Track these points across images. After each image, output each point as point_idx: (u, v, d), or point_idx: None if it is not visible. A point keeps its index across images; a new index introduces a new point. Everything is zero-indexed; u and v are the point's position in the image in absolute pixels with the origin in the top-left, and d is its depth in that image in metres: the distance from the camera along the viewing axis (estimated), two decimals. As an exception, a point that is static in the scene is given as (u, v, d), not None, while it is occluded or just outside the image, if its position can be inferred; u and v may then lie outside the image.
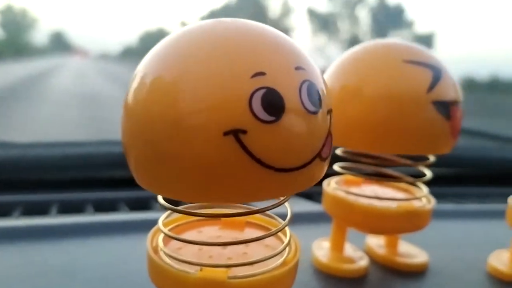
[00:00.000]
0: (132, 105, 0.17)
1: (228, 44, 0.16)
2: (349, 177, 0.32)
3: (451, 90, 0.25)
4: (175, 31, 0.18)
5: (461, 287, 0.29)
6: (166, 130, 0.15)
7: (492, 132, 0.73)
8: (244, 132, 0.15)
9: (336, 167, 0.30)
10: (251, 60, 0.16)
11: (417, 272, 0.30)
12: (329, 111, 0.18)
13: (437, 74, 0.25)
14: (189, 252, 0.21)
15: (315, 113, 0.17)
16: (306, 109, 0.16)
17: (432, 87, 0.24)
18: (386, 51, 0.26)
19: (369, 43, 0.27)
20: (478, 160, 0.58)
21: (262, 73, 0.16)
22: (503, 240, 0.33)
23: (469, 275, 0.31)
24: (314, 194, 0.45)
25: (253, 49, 0.16)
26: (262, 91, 0.15)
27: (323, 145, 0.17)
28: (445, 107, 0.25)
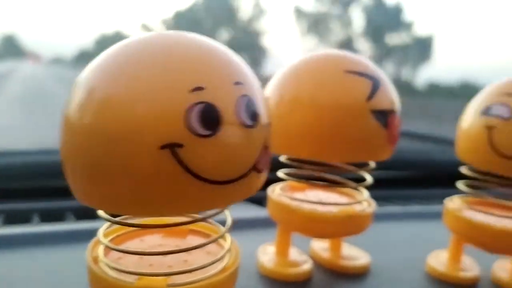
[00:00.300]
0: (70, 117, 0.17)
1: (168, 58, 0.16)
2: (294, 183, 0.33)
3: (389, 100, 0.26)
4: (115, 44, 0.18)
5: (400, 287, 0.30)
6: (103, 144, 0.16)
7: (438, 135, 0.76)
8: (180, 146, 0.15)
9: (281, 173, 0.30)
10: (190, 75, 0.16)
11: (359, 274, 0.31)
12: (267, 125, 0.18)
13: (376, 84, 0.26)
14: (130, 262, 0.22)
15: (251, 127, 0.17)
16: (242, 123, 0.17)
17: (371, 96, 0.25)
18: (327, 62, 0.27)
19: (311, 54, 0.28)
20: (422, 162, 0.60)
21: (200, 88, 0.16)
22: (442, 240, 0.34)
23: (408, 275, 0.32)
24: (263, 199, 0.45)
25: (193, 63, 0.17)
26: (200, 106, 0.16)
27: (259, 158, 0.18)
28: (383, 116, 0.26)
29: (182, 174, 0.16)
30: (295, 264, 0.30)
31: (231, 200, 0.18)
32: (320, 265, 0.32)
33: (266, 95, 0.27)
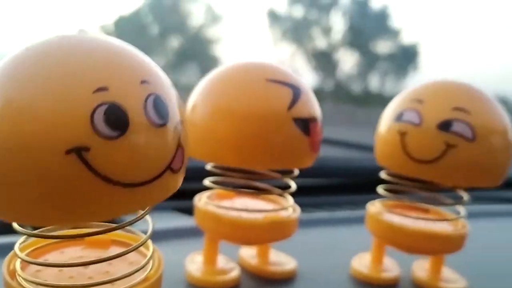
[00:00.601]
0: None
1: (70, 60, 0.16)
2: (221, 191, 0.33)
3: (310, 108, 0.27)
4: (18, 49, 0.17)
5: (326, 290, 0.31)
6: (6, 151, 0.15)
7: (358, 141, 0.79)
8: (87, 149, 0.15)
9: (207, 182, 0.30)
10: (93, 76, 0.16)
11: (287, 279, 0.32)
12: (180, 123, 0.18)
13: (296, 93, 0.27)
14: (49, 275, 0.21)
15: (162, 125, 0.17)
16: (152, 122, 0.16)
17: (292, 105, 0.26)
18: (249, 70, 0.28)
19: (234, 63, 0.28)
20: (346, 169, 0.63)
21: (104, 88, 0.15)
22: (365, 244, 0.36)
23: (334, 278, 0.33)
24: (191, 209, 0.45)
25: (95, 64, 0.16)
26: (104, 107, 0.15)
27: (173, 157, 0.17)
28: (305, 124, 0.26)
29: (92, 178, 0.15)
30: (223, 272, 0.30)
31: (147, 202, 0.17)
32: (248, 271, 0.32)
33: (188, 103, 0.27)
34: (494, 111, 0.29)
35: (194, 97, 0.27)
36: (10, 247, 0.31)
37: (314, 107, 0.28)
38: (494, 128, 0.28)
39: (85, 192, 0.15)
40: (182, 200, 0.44)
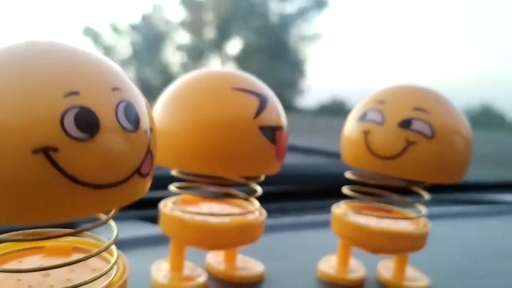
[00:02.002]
0: None
1: (41, 64, 0.16)
2: (187, 196, 0.33)
3: (276, 116, 0.27)
4: None
5: (294, 293, 0.31)
6: None
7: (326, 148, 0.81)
8: (55, 149, 0.15)
9: (172, 187, 0.30)
10: (64, 80, 0.16)
11: (254, 283, 0.32)
12: (149, 130, 0.18)
13: (263, 101, 0.27)
14: (7, 284, 0.20)
15: (132, 131, 0.17)
16: (122, 127, 0.16)
17: (258, 113, 0.26)
18: (215, 78, 0.28)
19: (200, 71, 0.28)
20: (313, 176, 0.64)
21: (75, 93, 0.16)
22: (332, 246, 0.36)
23: (301, 281, 0.33)
24: (156, 217, 0.45)
25: (67, 69, 0.16)
26: (75, 110, 0.15)
27: (142, 162, 0.18)
28: (271, 132, 0.27)
29: (60, 179, 0.15)
30: (190, 278, 0.30)
31: (115, 204, 0.17)
32: (215, 277, 0.32)
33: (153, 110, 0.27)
34: (452, 112, 0.30)
35: (160, 104, 0.27)
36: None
37: (280, 116, 0.28)
38: (452, 127, 0.29)
39: (52, 192, 0.15)
40: (146, 209, 0.44)
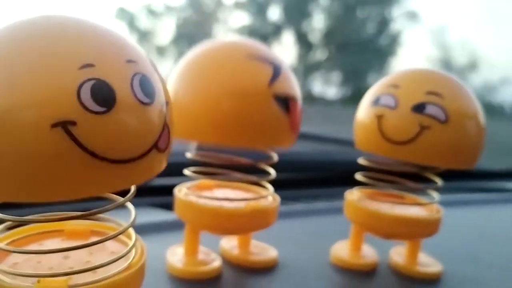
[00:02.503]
0: None
1: (56, 37, 0.16)
2: (201, 182, 0.33)
3: (290, 86, 0.27)
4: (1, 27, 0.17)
5: (307, 277, 0.31)
6: None
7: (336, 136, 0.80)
8: (74, 123, 0.15)
9: (187, 171, 0.30)
10: (79, 52, 0.16)
11: (268, 267, 0.32)
12: (165, 104, 0.18)
13: (277, 69, 0.27)
14: (28, 266, 0.20)
15: (148, 104, 0.17)
16: (138, 100, 0.16)
17: (272, 81, 0.26)
18: (228, 48, 0.28)
19: (213, 41, 0.28)
20: (325, 163, 0.64)
21: (90, 65, 0.16)
22: (344, 232, 0.36)
23: (314, 266, 0.33)
24: (170, 204, 0.45)
25: (81, 41, 0.16)
26: (91, 82, 0.15)
27: (159, 136, 0.17)
28: (284, 102, 0.27)
29: (79, 153, 0.15)
30: (205, 262, 0.30)
31: (134, 180, 0.17)
32: (229, 262, 0.32)
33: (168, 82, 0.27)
34: (466, 96, 0.30)
35: (174, 76, 0.27)
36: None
37: (294, 87, 0.28)
38: (466, 111, 0.29)
39: (72, 167, 0.15)
40: (160, 196, 0.44)
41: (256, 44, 0.28)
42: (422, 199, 0.36)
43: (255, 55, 0.26)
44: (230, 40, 0.28)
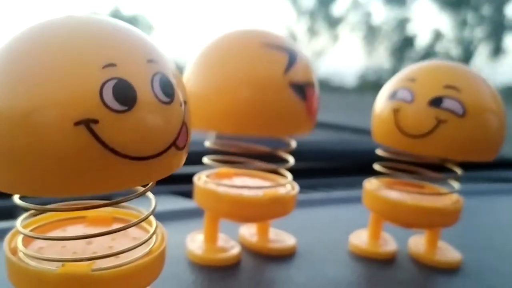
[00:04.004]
0: None
1: (79, 37, 0.16)
2: (220, 170, 0.33)
3: (306, 73, 0.27)
4: (27, 26, 0.17)
5: (326, 265, 0.31)
6: (16, 126, 0.15)
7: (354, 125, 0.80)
8: (96, 121, 0.15)
9: (206, 159, 0.31)
10: (102, 52, 0.16)
11: (287, 255, 0.32)
12: (183, 103, 0.18)
13: (292, 57, 0.27)
14: (52, 251, 0.21)
15: (168, 103, 0.17)
16: (158, 99, 0.17)
17: (288, 69, 0.26)
18: (243, 36, 0.28)
19: (229, 30, 0.28)
20: (343, 152, 0.63)
21: (112, 65, 0.16)
22: (363, 221, 0.36)
23: (333, 254, 0.33)
24: (190, 192, 0.46)
25: (103, 41, 0.17)
26: (113, 82, 0.16)
27: (178, 135, 0.18)
28: (301, 89, 0.27)
29: (100, 150, 0.15)
30: (224, 249, 0.31)
31: (153, 176, 0.17)
32: (248, 249, 0.32)
33: (184, 74, 0.28)
34: (485, 90, 0.29)
35: (190, 66, 0.27)
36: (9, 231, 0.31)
37: (310, 73, 0.28)
38: (484, 105, 0.28)
39: (94, 164, 0.16)
40: (180, 184, 0.45)
41: (271, 33, 0.28)
42: (442, 188, 0.35)
43: (270, 43, 0.26)
44: (245, 29, 0.28)
